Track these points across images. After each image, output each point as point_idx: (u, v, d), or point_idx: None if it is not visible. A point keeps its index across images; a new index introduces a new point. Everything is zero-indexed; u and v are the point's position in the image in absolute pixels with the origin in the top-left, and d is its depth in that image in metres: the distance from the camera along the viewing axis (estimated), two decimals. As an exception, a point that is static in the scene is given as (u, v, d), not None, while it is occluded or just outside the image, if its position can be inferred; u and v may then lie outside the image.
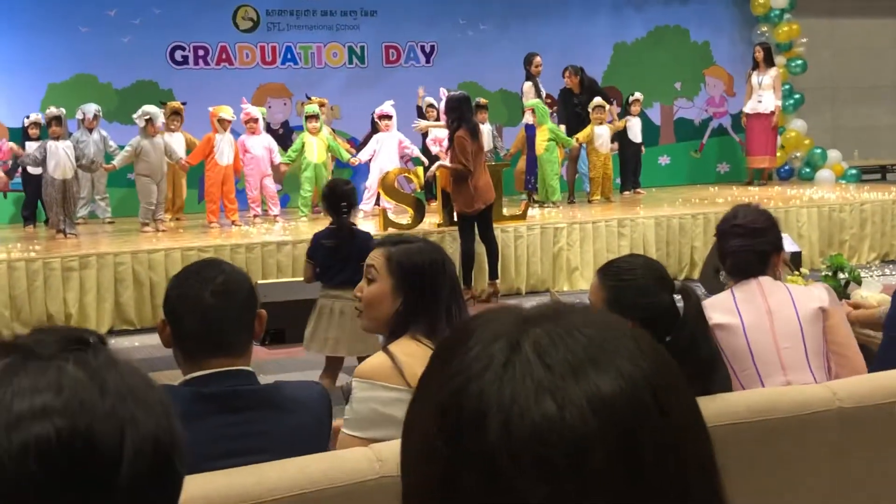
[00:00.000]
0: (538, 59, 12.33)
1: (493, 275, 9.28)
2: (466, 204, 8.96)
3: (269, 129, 11.48)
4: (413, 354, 2.68)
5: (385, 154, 11.23)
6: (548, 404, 0.73)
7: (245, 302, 2.47)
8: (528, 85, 12.28)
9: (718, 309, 3.24)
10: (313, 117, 11.01)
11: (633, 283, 2.75)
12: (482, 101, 11.96)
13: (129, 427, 0.88)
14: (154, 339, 8.26)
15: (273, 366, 7.18)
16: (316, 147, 10.98)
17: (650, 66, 14.41)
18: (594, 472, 0.72)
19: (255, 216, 10.90)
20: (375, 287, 2.88)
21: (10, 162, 10.65)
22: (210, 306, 2.41)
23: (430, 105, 11.99)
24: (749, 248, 3.34)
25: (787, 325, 3.21)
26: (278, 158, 11.01)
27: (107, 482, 0.85)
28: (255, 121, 10.91)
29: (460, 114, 8.96)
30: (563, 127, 12.12)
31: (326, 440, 2.55)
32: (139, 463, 0.87)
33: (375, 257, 2.91)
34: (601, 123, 12.28)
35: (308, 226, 10.33)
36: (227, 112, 10.55)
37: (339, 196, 6.46)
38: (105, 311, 8.56)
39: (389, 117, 11.40)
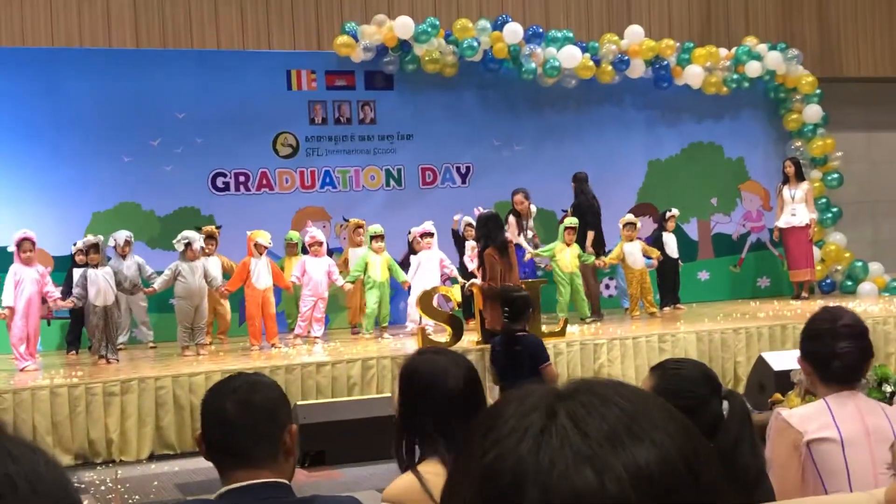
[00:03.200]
0: (518, 196, 12.12)
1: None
2: (497, 321, 8.82)
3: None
4: (441, 474, 2.65)
5: (426, 272, 11.29)
6: (587, 473, 0.75)
7: (268, 412, 2.44)
8: (511, 219, 11.97)
9: (815, 421, 3.11)
10: (378, 237, 11.22)
11: (680, 373, 2.74)
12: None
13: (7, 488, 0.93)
14: (194, 464, 8.24)
15: (312, 488, 7.10)
16: (379, 266, 11.15)
17: (685, 182, 14.46)
18: None
19: (296, 336, 10.95)
20: (395, 397, 2.91)
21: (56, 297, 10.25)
22: (230, 416, 2.41)
23: (469, 224, 12.08)
24: (860, 349, 3.21)
25: (884, 451, 3.11)
26: (340, 280, 11.15)
27: None
28: (320, 244, 11.17)
29: (487, 231, 9.01)
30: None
31: (361, 555, 2.52)
32: None
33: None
34: (631, 240, 12.34)
35: (359, 345, 10.38)
36: (263, 237, 10.72)
37: (504, 301, 7.14)
38: (146, 436, 8.57)
39: (431, 235, 11.53)
